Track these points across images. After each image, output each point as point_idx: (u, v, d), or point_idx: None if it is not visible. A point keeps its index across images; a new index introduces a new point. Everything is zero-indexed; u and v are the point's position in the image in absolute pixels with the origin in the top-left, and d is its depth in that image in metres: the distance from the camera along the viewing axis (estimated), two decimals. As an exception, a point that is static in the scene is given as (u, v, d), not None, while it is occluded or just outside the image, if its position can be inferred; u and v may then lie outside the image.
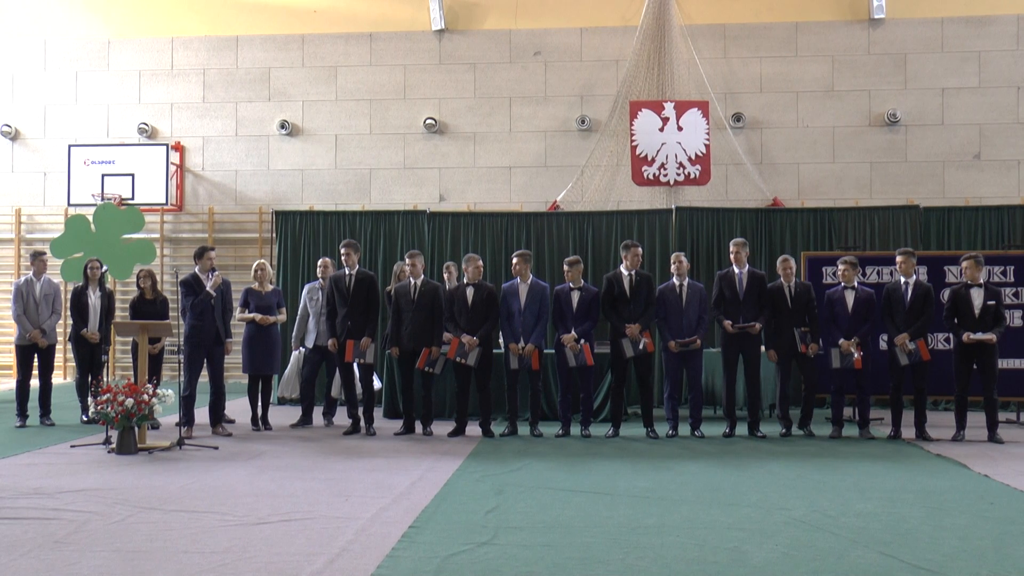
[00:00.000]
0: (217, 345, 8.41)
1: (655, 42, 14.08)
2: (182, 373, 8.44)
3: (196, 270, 8.50)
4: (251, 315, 9.05)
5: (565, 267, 8.66)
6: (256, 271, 9.30)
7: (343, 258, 8.72)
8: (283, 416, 9.85)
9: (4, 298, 13.72)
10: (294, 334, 9.62)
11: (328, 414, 9.38)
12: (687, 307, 8.48)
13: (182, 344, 8.54)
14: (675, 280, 8.59)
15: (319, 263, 9.63)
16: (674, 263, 8.60)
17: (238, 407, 9.69)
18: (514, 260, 8.62)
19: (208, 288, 8.31)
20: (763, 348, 8.82)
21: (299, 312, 9.57)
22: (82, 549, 4.39)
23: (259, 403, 9.05)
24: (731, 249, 8.74)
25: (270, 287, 9.33)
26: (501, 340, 9.05)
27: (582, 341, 8.36)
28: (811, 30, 14.37)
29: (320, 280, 9.45)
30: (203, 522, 4.93)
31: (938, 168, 14.12)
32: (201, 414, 8.84)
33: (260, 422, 9.00)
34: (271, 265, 11.94)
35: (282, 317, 9.40)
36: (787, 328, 8.43)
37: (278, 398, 10.62)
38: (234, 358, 9.74)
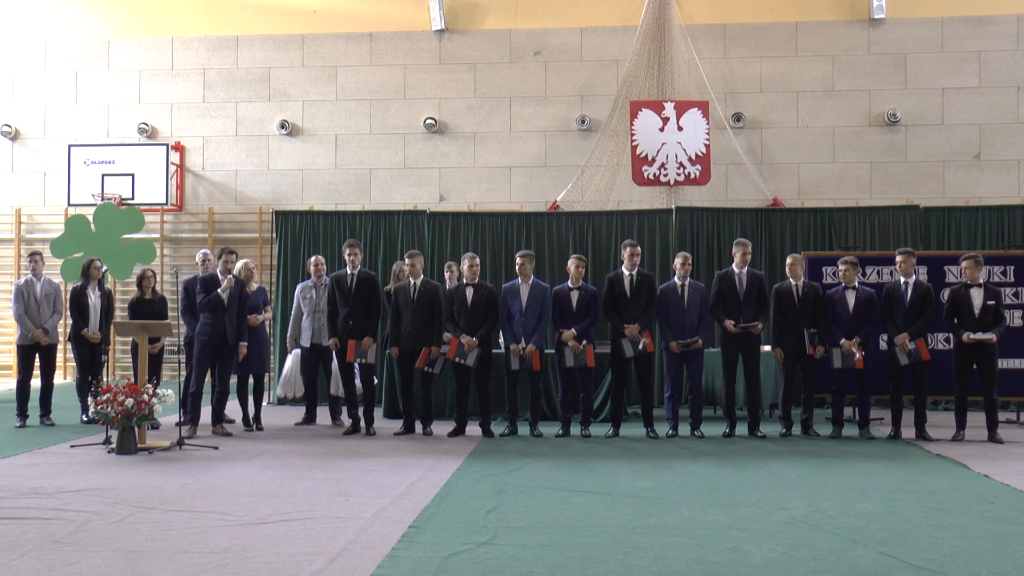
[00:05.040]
0: (225, 346, 8.38)
1: (655, 42, 14.09)
2: (184, 370, 8.43)
3: (216, 270, 8.47)
4: None
5: (570, 263, 8.64)
6: (242, 271, 9.20)
7: (349, 258, 8.70)
8: (283, 416, 9.86)
9: (4, 298, 13.73)
10: (289, 333, 9.60)
11: (336, 414, 9.39)
12: (689, 307, 8.48)
13: (182, 344, 8.51)
14: (677, 280, 8.58)
15: (312, 261, 9.60)
16: (683, 264, 8.57)
17: (232, 407, 9.66)
18: (518, 259, 8.61)
19: (219, 290, 8.28)
20: (765, 348, 8.83)
21: (293, 311, 9.56)
22: (82, 549, 4.39)
23: (249, 403, 9.03)
24: (737, 250, 8.69)
25: (255, 286, 9.29)
26: (501, 340, 9.05)
27: (584, 342, 8.36)
28: (811, 30, 14.37)
29: (312, 278, 9.45)
30: (203, 522, 4.93)
31: (938, 168, 14.12)
32: (204, 413, 8.84)
33: (253, 422, 8.98)
34: (271, 264, 11.98)
35: (268, 315, 9.40)
36: (794, 328, 8.43)
37: (278, 398, 10.63)
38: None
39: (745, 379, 8.67)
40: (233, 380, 8.87)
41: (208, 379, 8.56)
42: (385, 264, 11.54)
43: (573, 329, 8.38)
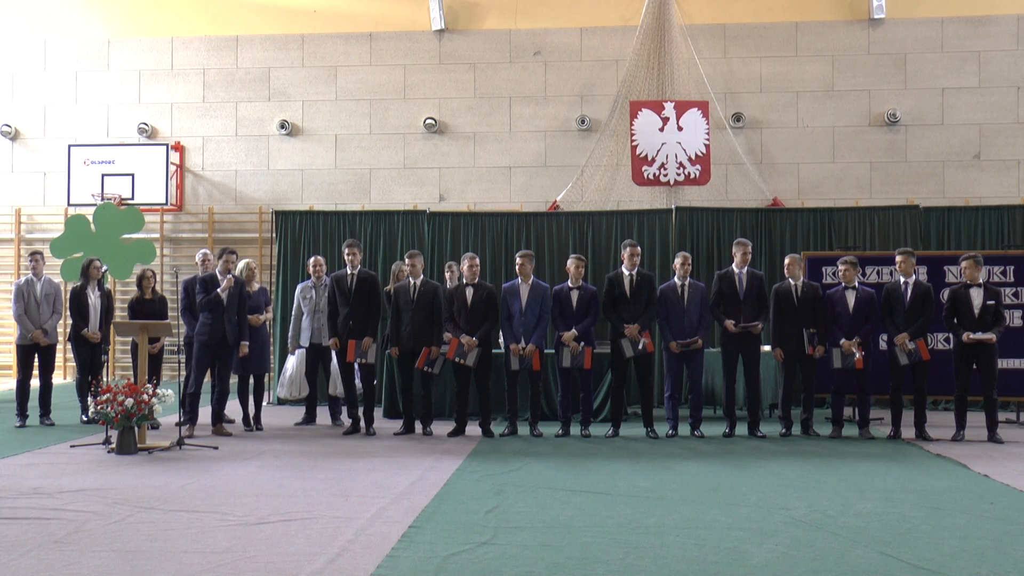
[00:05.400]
0: (224, 346, 8.38)
1: (655, 42, 14.09)
2: (184, 371, 8.42)
3: (216, 270, 8.46)
4: None
5: (570, 263, 8.64)
6: (243, 271, 9.23)
7: (347, 258, 8.71)
8: (283, 416, 9.86)
9: (4, 298, 13.73)
10: (290, 335, 9.59)
11: (335, 414, 9.40)
12: (689, 307, 8.48)
13: (182, 344, 8.50)
14: (677, 280, 8.58)
15: (311, 261, 9.61)
16: (683, 264, 8.56)
17: (232, 407, 9.66)
18: (518, 260, 8.61)
19: (218, 290, 8.28)
20: (765, 348, 8.83)
21: (293, 312, 9.55)
22: (82, 549, 4.39)
23: (250, 403, 9.03)
24: (738, 250, 8.67)
25: (256, 287, 9.29)
26: (501, 340, 9.05)
27: (582, 344, 8.36)
28: (811, 30, 14.37)
29: (312, 279, 9.45)
30: (203, 522, 4.93)
31: (938, 168, 14.12)
32: (202, 413, 8.84)
33: (253, 422, 8.97)
34: (271, 264, 11.98)
35: (269, 315, 9.41)
36: (794, 328, 8.43)
37: (278, 398, 10.62)
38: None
39: (745, 379, 8.67)
40: (233, 380, 8.88)
41: (208, 379, 8.57)
42: (385, 264, 11.54)
43: (575, 329, 8.38)
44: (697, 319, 8.48)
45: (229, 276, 8.37)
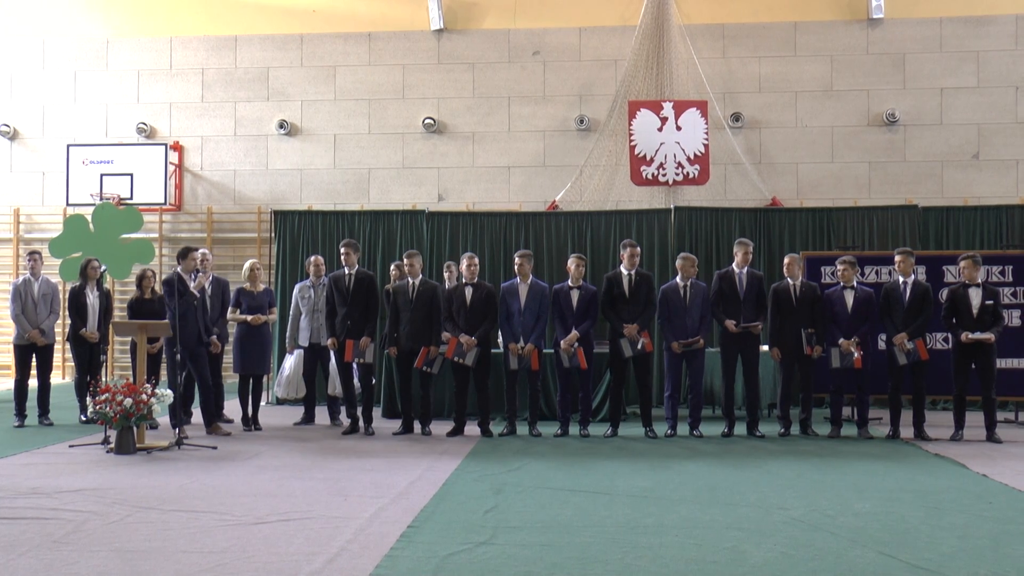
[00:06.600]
0: (199, 346, 8.36)
1: (654, 42, 14.09)
2: (168, 374, 8.43)
3: (179, 270, 8.41)
4: (242, 316, 9.02)
5: (571, 263, 8.64)
6: (248, 271, 9.24)
7: (343, 258, 8.71)
8: (282, 416, 9.86)
9: (3, 298, 13.72)
10: (288, 335, 9.58)
11: (334, 414, 9.39)
12: (690, 307, 8.48)
13: (165, 346, 8.50)
14: (679, 280, 8.58)
15: (310, 261, 9.61)
16: (692, 266, 8.54)
17: (231, 407, 9.67)
18: (517, 259, 8.61)
19: (192, 288, 8.26)
20: (764, 348, 8.83)
21: (291, 312, 9.54)
22: (81, 549, 4.39)
23: (250, 403, 9.02)
24: (740, 250, 8.66)
25: (262, 287, 9.30)
26: (500, 340, 9.05)
27: (576, 345, 8.35)
28: (810, 30, 14.37)
29: (311, 278, 9.45)
30: (202, 522, 4.93)
31: (937, 168, 14.12)
32: (198, 415, 8.83)
33: (251, 422, 8.96)
34: (269, 264, 11.98)
35: (273, 316, 9.41)
36: (792, 328, 8.43)
37: (277, 399, 10.61)
38: (227, 358, 9.70)
39: (744, 379, 8.67)
40: (234, 380, 8.86)
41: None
42: (384, 264, 11.54)
43: (576, 331, 8.35)
44: (699, 319, 8.48)
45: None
